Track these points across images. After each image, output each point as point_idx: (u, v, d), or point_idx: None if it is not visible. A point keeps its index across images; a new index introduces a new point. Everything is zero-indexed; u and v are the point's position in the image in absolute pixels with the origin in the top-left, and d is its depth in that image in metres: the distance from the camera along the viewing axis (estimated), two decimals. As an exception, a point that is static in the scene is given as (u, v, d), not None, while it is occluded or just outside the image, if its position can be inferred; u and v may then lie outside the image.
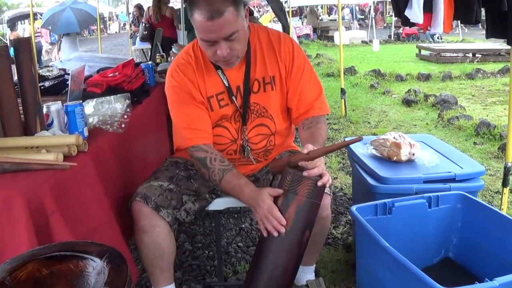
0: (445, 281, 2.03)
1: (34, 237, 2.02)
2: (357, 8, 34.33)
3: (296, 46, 3.01)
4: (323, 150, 2.58)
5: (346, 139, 2.83)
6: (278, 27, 13.14)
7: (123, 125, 3.05)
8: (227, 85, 2.91)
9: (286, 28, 9.85)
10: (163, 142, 4.12)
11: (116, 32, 54.08)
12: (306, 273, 3.18)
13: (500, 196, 4.45)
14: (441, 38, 25.57)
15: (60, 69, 4.37)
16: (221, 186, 2.84)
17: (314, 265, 3.25)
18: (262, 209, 2.61)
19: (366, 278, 2.73)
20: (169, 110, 2.99)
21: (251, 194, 2.71)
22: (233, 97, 2.92)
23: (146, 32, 10.95)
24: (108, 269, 1.51)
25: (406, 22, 5.64)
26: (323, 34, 29.42)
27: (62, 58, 8.74)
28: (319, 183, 2.50)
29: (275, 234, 2.55)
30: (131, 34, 15.58)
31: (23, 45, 2.62)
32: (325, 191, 2.69)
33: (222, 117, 2.96)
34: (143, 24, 11.25)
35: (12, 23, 27.85)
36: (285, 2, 18.83)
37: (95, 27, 37.54)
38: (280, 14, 10.27)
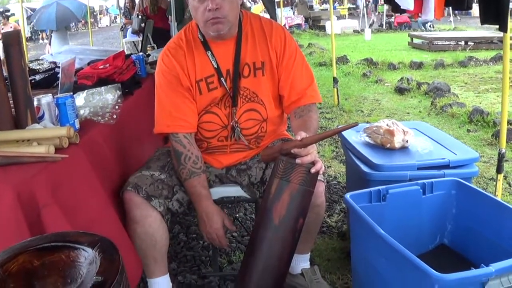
0: (440, 267, 2.02)
1: (26, 230, 2.01)
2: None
3: (288, 35, 3.03)
4: (316, 137, 2.60)
5: (339, 127, 2.83)
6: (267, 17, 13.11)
7: (114, 116, 3.04)
8: (216, 66, 2.92)
9: (274, 20, 9.84)
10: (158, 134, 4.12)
11: (107, 25, 54.02)
12: (301, 262, 3.19)
13: (494, 182, 4.45)
14: (433, 27, 25.56)
15: (50, 62, 4.35)
16: (184, 184, 2.94)
17: (309, 253, 3.26)
18: (211, 228, 2.91)
19: (361, 265, 2.73)
20: (155, 93, 3.01)
21: (206, 209, 2.90)
22: (222, 78, 2.93)
23: (143, 24, 10.76)
24: (100, 259, 1.51)
25: (396, 9, 5.63)
26: (314, 23, 29.37)
27: (53, 52, 8.70)
28: (312, 170, 2.50)
29: None
30: (122, 26, 15.43)
31: (12, 38, 2.60)
32: (319, 178, 2.70)
33: (211, 101, 2.97)
34: (138, 16, 11.10)
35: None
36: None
37: (84, 21, 37.52)
38: (269, 6, 10.24)
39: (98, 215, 2.54)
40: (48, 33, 17.84)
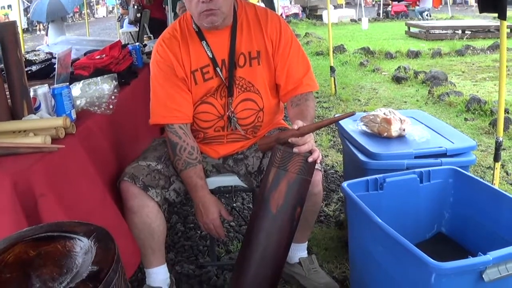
0: (438, 256, 2.02)
1: (23, 220, 2.01)
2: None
3: (284, 23, 3.02)
4: (314, 126, 2.59)
5: (336, 116, 2.82)
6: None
7: (111, 106, 3.04)
8: (211, 56, 2.92)
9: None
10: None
11: (103, 16, 53.92)
12: (299, 251, 3.20)
13: (491, 171, 4.45)
14: (430, 16, 25.56)
15: (47, 53, 4.34)
16: (180, 175, 2.94)
17: (307, 242, 3.27)
18: (207, 218, 2.90)
19: (359, 254, 2.73)
20: (151, 84, 3.00)
21: (203, 199, 2.89)
22: (217, 68, 2.92)
23: (140, 14, 10.70)
24: (96, 248, 1.50)
25: (394, -3, 5.62)
26: (311, 13, 29.39)
27: (49, 43, 8.68)
28: (310, 159, 2.50)
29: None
30: (119, 17, 15.38)
31: (8, 29, 2.59)
32: (316, 167, 2.70)
33: (207, 92, 2.96)
34: (135, 7, 11.03)
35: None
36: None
37: (81, 11, 37.45)
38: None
39: (95, 205, 2.54)
40: (45, 25, 17.83)
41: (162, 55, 2.94)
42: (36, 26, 37.32)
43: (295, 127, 2.54)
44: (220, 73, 2.92)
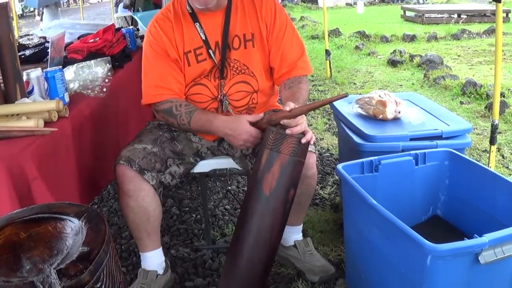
0: (434, 238, 2.02)
1: (17, 203, 2.01)
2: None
3: (279, 6, 3.00)
4: (305, 108, 2.59)
5: (329, 98, 2.80)
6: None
7: (104, 89, 3.03)
8: (204, 38, 2.91)
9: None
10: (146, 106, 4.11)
11: (98, 1, 53.71)
12: (294, 233, 3.20)
13: (487, 154, 4.45)
14: (426, -1, 25.54)
15: (40, 37, 4.31)
16: (191, 127, 2.88)
17: (301, 225, 3.27)
18: (241, 139, 2.75)
19: (354, 237, 2.72)
20: (142, 64, 2.99)
21: (224, 124, 2.79)
22: (210, 50, 2.91)
23: (134, -2, 10.60)
24: (86, 229, 1.50)
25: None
26: (307, -3, 29.36)
27: (43, 27, 8.64)
28: (303, 141, 2.50)
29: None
30: (116, 1, 15.30)
31: (0, 11, 2.56)
32: (310, 149, 2.71)
33: (200, 73, 2.96)
34: (130, -9, 10.91)
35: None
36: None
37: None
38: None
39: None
40: (40, 11, 17.79)
41: (154, 36, 2.93)
42: (32, 11, 37.16)
43: (287, 108, 2.54)
44: (213, 55, 2.92)
